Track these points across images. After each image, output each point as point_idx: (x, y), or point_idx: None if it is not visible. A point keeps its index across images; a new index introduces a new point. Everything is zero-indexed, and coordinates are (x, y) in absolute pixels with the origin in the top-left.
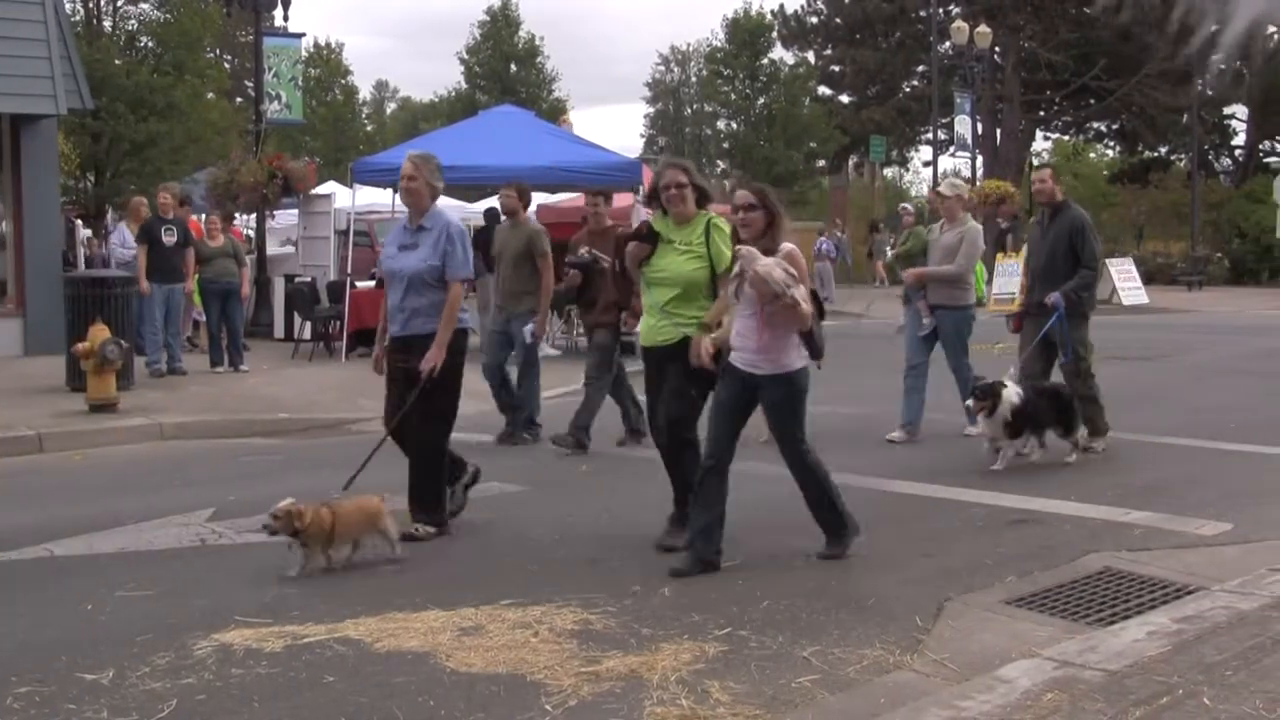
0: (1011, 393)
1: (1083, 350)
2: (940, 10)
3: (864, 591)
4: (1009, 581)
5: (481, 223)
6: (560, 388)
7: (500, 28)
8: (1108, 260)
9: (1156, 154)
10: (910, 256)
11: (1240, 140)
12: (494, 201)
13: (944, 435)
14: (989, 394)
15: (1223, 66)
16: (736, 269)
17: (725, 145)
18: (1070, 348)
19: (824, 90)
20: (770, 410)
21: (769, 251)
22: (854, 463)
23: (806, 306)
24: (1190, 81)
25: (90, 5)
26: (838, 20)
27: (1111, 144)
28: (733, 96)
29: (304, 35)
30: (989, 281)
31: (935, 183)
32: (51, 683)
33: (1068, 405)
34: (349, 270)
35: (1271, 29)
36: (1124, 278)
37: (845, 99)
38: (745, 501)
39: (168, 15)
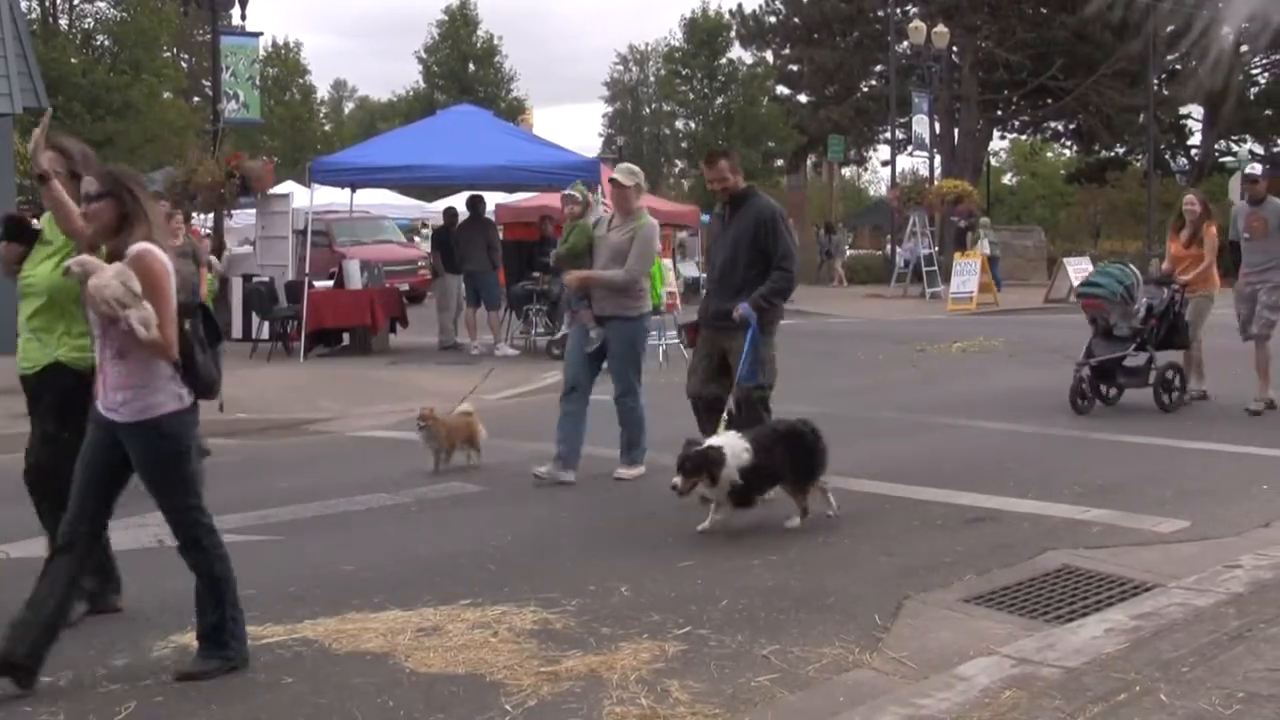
0: (737, 450)
1: (765, 374)
2: (898, 10)
3: (823, 590)
4: (968, 580)
5: (441, 222)
6: (519, 387)
7: (459, 27)
8: (1065, 259)
9: (1113, 153)
10: (575, 255)
11: (1196, 140)
12: (453, 200)
13: (903, 433)
14: (704, 464)
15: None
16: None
17: (683, 145)
18: (753, 367)
19: (782, 90)
20: (140, 471)
21: (119, 255)
22: None
23: (148, 332)
24: (1145, 81)
25: (46, 3)
26: (796, 20)
27: (1068, 143)
28: (691, 96)
29: (261, 34)
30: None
31: (893, 182)
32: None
33: (811, 447)
34: (307, 270)
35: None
36: (1081, 276)
37: (803, 98)
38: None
39: (124, 14)
